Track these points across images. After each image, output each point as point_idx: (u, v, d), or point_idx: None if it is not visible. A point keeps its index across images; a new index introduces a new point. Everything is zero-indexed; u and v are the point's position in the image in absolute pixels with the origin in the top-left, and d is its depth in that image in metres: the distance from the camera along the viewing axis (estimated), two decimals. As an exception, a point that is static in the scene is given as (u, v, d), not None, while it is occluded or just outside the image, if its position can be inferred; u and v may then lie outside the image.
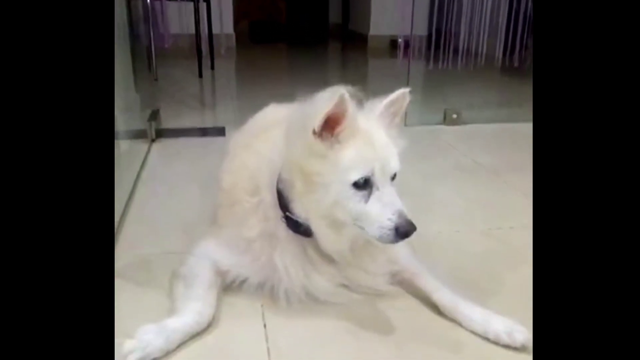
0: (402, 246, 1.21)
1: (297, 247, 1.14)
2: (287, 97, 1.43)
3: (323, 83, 1.05)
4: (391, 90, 1.14)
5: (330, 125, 1.01)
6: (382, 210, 1.01)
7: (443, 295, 1.16)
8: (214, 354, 1.03)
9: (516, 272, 1.33)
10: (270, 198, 1.14)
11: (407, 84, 1.14)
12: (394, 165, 1.07)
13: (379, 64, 5.34)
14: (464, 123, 2.84)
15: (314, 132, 1.01)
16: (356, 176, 1.01)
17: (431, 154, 2.34)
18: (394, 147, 1.09)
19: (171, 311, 1.09)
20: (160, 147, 2.37)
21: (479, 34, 3.51)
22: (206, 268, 1.18)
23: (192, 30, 4.12)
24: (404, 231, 1.00)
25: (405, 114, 1.18)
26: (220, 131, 2.59)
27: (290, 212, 1.11)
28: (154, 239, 1.48)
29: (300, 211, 1.09)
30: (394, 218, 1.00)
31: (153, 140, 2.42)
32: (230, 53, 5.45)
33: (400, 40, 4.80)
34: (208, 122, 2.89)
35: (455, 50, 3.51)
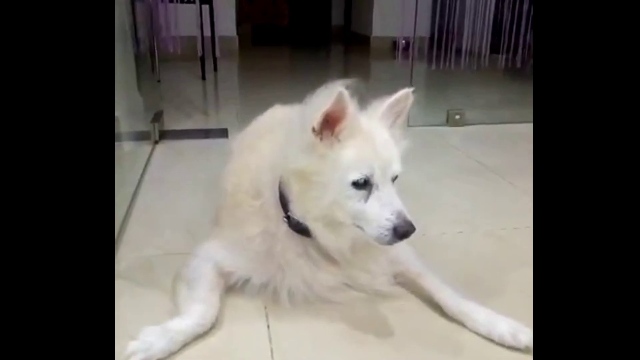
0: (404, 247, 1.20)
1: (299, 247, 1.14)
2: (289, 99, 1.43)
3: (326, 85, 1.04)
4: (394, 91, 1.14)
5: (330, 124, 1.00)
6: (381, 210, 1.00)
7: (447, 296, 1.15)
8: (217, 356, 1.03)
9: (520, 273, 1.33)
10: (272, 198, 1.14)
11: (410, 85, 1.14)
12: (396, 167, 1.06)
13: (382, 66, 5.34)
14: (467, 124, 2.84)
15: (314, 130, 1.00)
16: (356, 176, 1.00)
17: (434, 155, 2.34)
18: (395, 147, 1.08)
19: (174, 313, 1.09)
20: (164, 149, 2.38)
21: (481, 34, 3.51)
22: (209, 269, 1.18)
23: (195, 33, 4.14)
24: (402, 231, 0.99)
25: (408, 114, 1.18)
26: (223, 133, 2.60)
27: (291, 212, 1.11)
28: (157, 241, 1.48)
29: (298, 211, 1.08)
30: (393, 218, 0.99)
31: (156, 142, 2.43)
32: (233, 55, 5.47)
33: (402, 41, 4.80)
34: (211, 124, 2.90)
35: (458, 51, 3.50)
